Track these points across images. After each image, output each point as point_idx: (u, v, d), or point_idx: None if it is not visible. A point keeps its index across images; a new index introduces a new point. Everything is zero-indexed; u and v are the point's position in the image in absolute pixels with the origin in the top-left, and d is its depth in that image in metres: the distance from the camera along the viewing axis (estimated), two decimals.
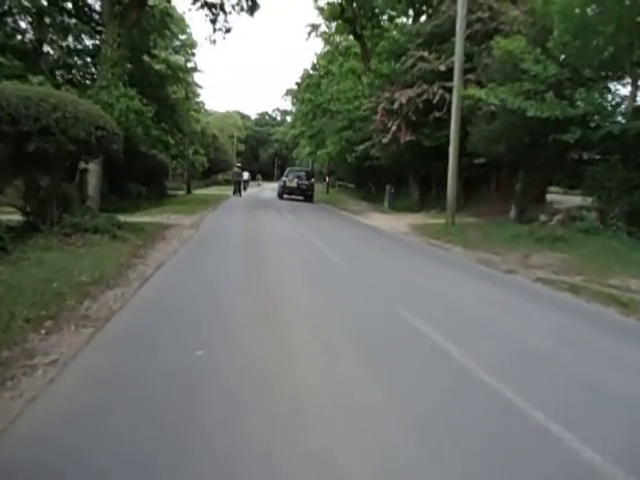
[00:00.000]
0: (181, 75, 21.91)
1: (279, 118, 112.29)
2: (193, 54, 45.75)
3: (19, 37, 20.50)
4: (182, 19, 37.63)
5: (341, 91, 30.16)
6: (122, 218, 13.47)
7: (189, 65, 45.14)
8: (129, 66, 19.50)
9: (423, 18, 23.38)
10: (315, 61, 46.01)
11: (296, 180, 27.17)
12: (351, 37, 30.33)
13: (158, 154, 28.43)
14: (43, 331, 3.78)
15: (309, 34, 31.30)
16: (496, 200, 19.33)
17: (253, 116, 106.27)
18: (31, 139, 7.57)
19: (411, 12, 24.82)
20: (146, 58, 20.83)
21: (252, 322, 4.45)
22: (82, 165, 17.37)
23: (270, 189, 48.60)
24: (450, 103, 15.70)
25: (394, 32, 22.55)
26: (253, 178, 52.21)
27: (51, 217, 8.99)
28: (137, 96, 16.38)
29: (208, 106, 57.88)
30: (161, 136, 25.23)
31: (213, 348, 3.65)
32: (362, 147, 22.46)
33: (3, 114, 7.31)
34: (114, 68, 16.78)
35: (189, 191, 32.27)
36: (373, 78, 19.81)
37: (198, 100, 51.59)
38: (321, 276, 6.96)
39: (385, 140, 18.45)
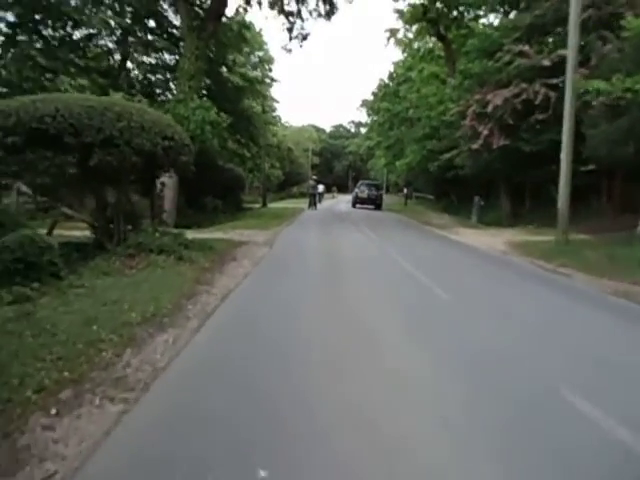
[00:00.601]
0: (258, 87, 21.52)
1: (353, 130, 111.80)
2: (270, 69, 46.46)
3: (106, 58, 21.18)
4: (259, 34, 38.06)
5: (422, 97, 28.46)
6: (194, 234, 12.92)
7: (267, 81, 45.99)
8: (207, 80, 19.37)
9: (512, 15, 21.24)
10: (392, 70, 44.72)
11: (367, 191, 30.75)
12: (432, 40, 28.70)
13: (235, 168, 28.40)
14: (54, 410, 2.71)
15: (388, 39, 30.03)
16: (610, 213, 16.69)
17: (328, 129, 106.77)
18: (94, 151, 6.90)
19: (500, 8, 22.75)
20: (223, 71, 20.67)
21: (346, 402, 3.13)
22: (160, 179, 17.37)
23: (345, 201, 47.54)
24: (555, 102, 13.64)
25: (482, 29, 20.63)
26: (328, 190, 51.51)
27: (118, 235, 8.37)
28: (213, 107, 15.92)
29: (284, 120, 58.37)
30: (237, 149, 25.03)
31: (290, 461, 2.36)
32: (447, 156, 20.62)
33: (66, 125, 6.69)
34: (191, 81, 16.52)
35: (264, 204, 32.02)
36: (461, 79, 18.06)
37: (274, 114, 52.25)
38: (420, 313, 5.51)
39: (475, 146, 16.60)
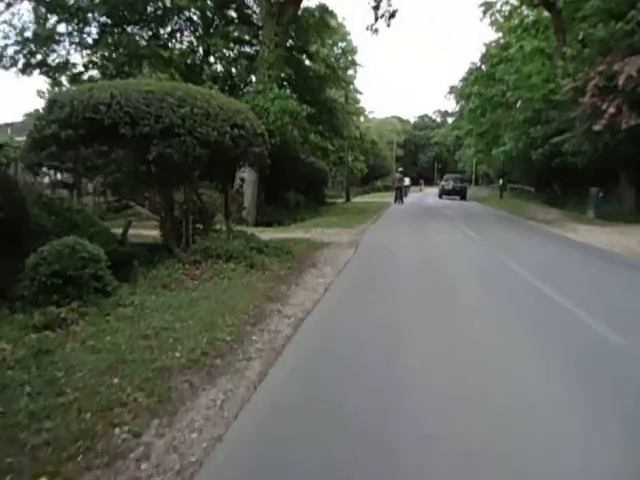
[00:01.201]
0: (340, 74, 20.20)
1: (439, 120, 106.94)
2: (354, 62, 44.90)
3: (190, 53, 21.03)
4: (342, 25, 36.75)
5: (523, 77, 25.36)
6: (273, 233, 11.92)
7: (350, 72, 44.51)
8: (287, 70, 18.40)
9: None
10: (484, 51, 41.12)
11: (452, 183, 33.81)
12: (534, 12, 25.43)
13: (317, 161, 27.39)
14: None
15: (484, 13, 27.19)
16: None
17: (412, 119, 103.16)
18: (152, 143, 5.95)
19: None
20: (304, 59, 19.59)
21: None
22: (240, 175, 16.68)
23: (432, 194, 44.94)
24: None
25: None
26: (415, 183, 49.06)
27: (186, 238, 7.47)
28: (292, 97, 14.83)
29: (367, 112, 56.58)
30: (320, 142, 23.90)
31: None
32: (557, 139, 17.74)
33: (122, 113, 5.79)
34: (270, 70, 15.58)
35: (348, 199, 30.72)
36: (580, 48, 15.28)
37: (358, 106, 50.67)
38: (586, 368, 3.65)
39: (597, 127, 13.88)
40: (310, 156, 24.83)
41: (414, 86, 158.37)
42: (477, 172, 76.14)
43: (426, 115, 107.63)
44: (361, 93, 51.16)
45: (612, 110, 13.46)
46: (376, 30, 17.01)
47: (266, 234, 11.63)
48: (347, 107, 23.22)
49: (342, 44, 41.86)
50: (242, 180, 15.72)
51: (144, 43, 18.47)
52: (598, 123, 13.94)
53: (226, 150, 6.65)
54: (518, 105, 26.53)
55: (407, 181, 32.59)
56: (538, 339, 4.28)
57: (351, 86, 44.69)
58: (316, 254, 8.78)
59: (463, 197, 31.24)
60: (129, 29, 17.78)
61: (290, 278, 6.63)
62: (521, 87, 26.55)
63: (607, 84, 13.78)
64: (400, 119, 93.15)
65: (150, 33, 18.69)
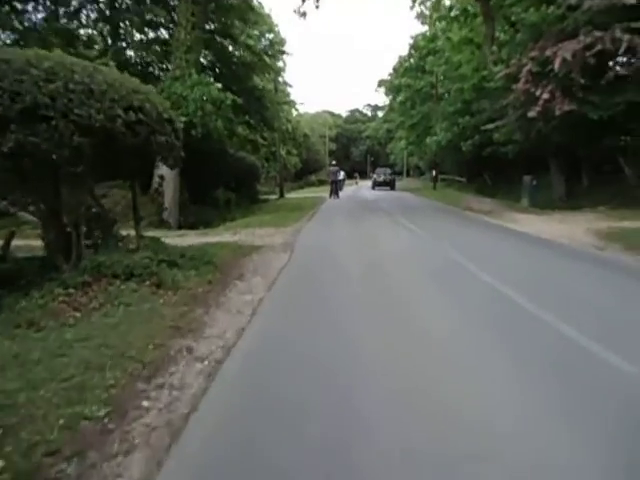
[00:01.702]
0: (268, 61, 18.86)
1: (370, 114, 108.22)
2: (282, 52, 43.52)
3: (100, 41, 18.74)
4: (269, 15, 35.34)
5: (452, 68, 25.33)
6: (195, 238, 10.44)
7: (279, 64, 43.10)
8: (207, 53, 16.80)
9: None
10: (412, 43, 41.31)
11: (382, 176, 37.75)
12: (457, 4, 25.41)
13: (247, 156, 25.88)
14: None
15: (413, 2, 26.79)
16: None
17: (343, 114, 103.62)
18: (9, 129, 4.40)
19: None
20: (228, 45, 18.03)
21: None
22: (158, 172, 14.92)
23: (366, 187, 44.79)
24: None
25: None
26: (350, 177, 48.64)
27: (77, 251, 5.91)
28: (214, 83, 13.34)
29: (297, 106, 55.45)
30: (249, 135, 22.42)
31: None
32: (490, 126, 17.48)
33: None
34: (188, 54, 13.96)
35: (282, 195, 29.47)
36: (513, 33, 14.99)
37: (288, 99, 49.39)
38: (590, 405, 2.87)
39: (532, 113, 13.63)
40: (239, 150, 23.31)
41: (344, 81, 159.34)
42: (408, 164, 77.62)
43: (357, 109, 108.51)
44: (291, 86, 50.07)
45: (546, 96, 13.23)
46: (304, 13, 15.87)
47: (188, 238, 10.18)
48: (277, 97, 21.89)
49: (270, 35, 40.42)
50: (161, 178, 14.03)
51: (40, 23, 16.07)
52: (532, 109, 13.70)
53: (118, 139, 5.18)
54: (448, 96, 26.45)
55: (342, 175, 31.91)
56: (515, 358, 3.32)
57: (280, 78, 43.42)
58: (244, 261, 7.49)
59: (392, 187, 35.25)
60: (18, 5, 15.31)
61: (209, 297, 5.32)
62: (450, 78, 26.61)
63: (540, 70, 13.55)
64: (331, 113, 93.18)
65: (45, 13, 16.29)
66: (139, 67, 16.71)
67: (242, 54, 17.68)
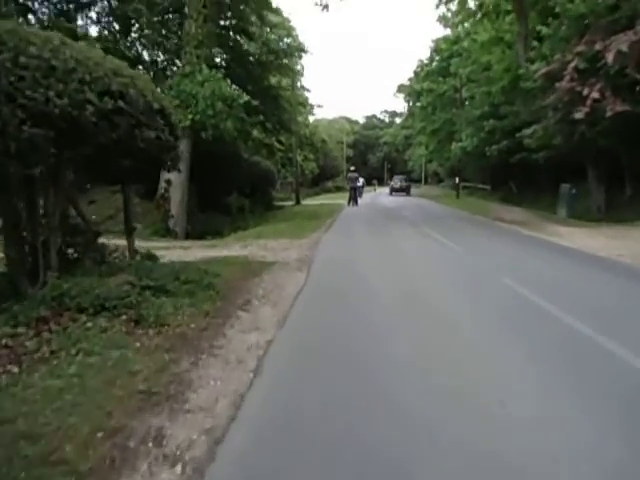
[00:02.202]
0: (285, 60, 17.77)
1: (387, 120, 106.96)
2: (300, 56, 42.62)
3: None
4: (287, 19, 34.55)
5: (478, 70, 23.93)
6: (200, 251, 9.25)
7: (297, 68, 42.15)
8: (220, 52, 15.76)
9: None
10: (433, 46, 39.94)
11: (399, 183, 41.64)
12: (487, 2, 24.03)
13: (263, 161, 24.81)
14: None
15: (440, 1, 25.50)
16: None
17: (360, 120, 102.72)
18: None
19: None
20: (243, 42, 16.94)
21: None
22: (165, 176, 13.85)
23: (385, 194, 43.55)
24: None
25: None
26: (368, 183, 47.36)
27: (44, 271, 4.75)
28: (226, 80, 12.23)
29: (315, 107, 54.44)
30: (265, 138, 21.31)
31: None
32: (527, 132, 15.98)
33: None
34: (199, 49, 12.88)
35: (298, 201, 28.29)
36: (556, 26, 13.59)
37: (306, 103, 48.42)
38: None
39: (579, 115, 12.20)
40: (254, 155, 22.22)
41: (361, 87, 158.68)
42: (426, 171, 76.01)
43: (374, 115, 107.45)
44: (309, 90, 49.08)
45: (595, 95, 11.80)
46: (326, 6, 14.69)
47: (192, 251, 9.01)
48: (294, 97, 20.76)
49: (288, 40, 39.59)
50: (168, 182, 12.94)
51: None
52: (579, 110, 12.27)
53: (88, 131, 4.00)
54: (472, 100, 25.07)
55: (361, 181, 30.63)
56: None
57: (298, 81, 42.50)
58: (253, 284, 6.26)
59: (408, 193, 39.39)
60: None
61: (203, 337, 4.08)
62: (477, 80, 25.19)
63: (587, 66, 12.15)
64: (349, 119, 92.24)
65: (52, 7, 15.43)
66: (152, 68, 15.72)
67: (258, 52, 16.58)
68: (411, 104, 52.17)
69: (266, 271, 7.06)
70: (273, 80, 18.56)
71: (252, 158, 24.01)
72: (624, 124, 12.44)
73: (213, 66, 13.04)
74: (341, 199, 29.61)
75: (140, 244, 9.10)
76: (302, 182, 47.50)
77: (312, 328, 4.60)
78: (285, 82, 18.89)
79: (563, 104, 13.12)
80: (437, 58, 38.82)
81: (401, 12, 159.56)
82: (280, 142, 38.01)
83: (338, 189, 52.00)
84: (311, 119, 51.05)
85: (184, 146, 13.03)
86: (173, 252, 8.75)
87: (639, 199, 17.10)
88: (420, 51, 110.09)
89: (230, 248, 9.49)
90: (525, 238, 11.49)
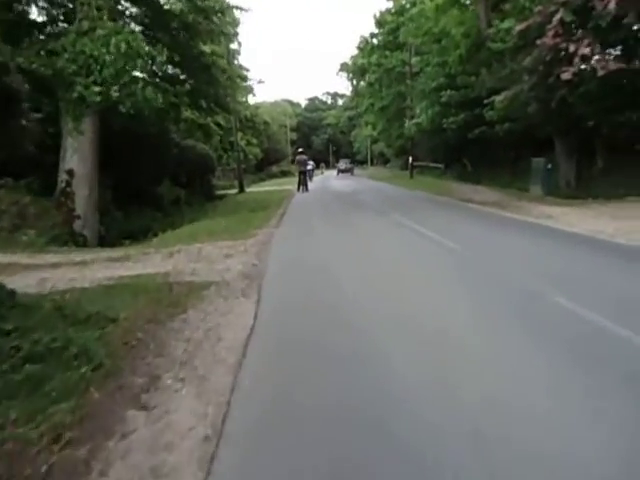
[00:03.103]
0: (216, 20, 14.84)
1: (330, 102, 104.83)
2: (236, 34, 39.24)
3: None
4: None
5: (430, 40, 22.05)
6: (101, 269, 6.61)
7: (232, 47, 38.73)
8: (132, 6, 12.82)
9: None
10: (377, 20, 37.81)
11: (344, 165, 47.63)
12: None
13: (199, 145, 21.88)
14: None
15: None
16: None
17: (302, 102, 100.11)
18: None
19: None
20: None
21: None
22: (65, 165, 10.85)
23: (333, 176, 41.60)
24: None
25: None
26: (317, 167, 45.22)
27: None
28: (139, 35, 9.46)
29: (256, 92, 51.21)
30: (199, 118, 18.43)
31: None
32: (499, 98, 13.98)
33: None
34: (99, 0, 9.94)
35: (242, 189, 25.54)
36: None
37: (245, 84, 45.16)
38: None
39: (566, 75, 10.44)
40: (187, 138, 19.30)
41: (302, 69, 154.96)
42: (372, 152, 74.74)
43: (316, 97, 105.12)
44: (247, 70, 45.77)
45: (585, 51, 10.05)
46: None
47: (91, 269, 6.40)
48: (231, 70, 17.92)
49: (221, 16, 36.14)
50: (69, 174, 10.06)
51: None
52: (564, 71, 10.51)
53: None
54: (428, 71, 23.23)
55: (311, 164, 28.32)
56: None
57: (235, 59, 39.24)
58: (168, 332, 3.83)
59: (352, 173, 45.13)
60: None
61: None
62: (429, 52, 23.34)
63: (573, 19, 10.39)
64: (291, 102, 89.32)
65: None
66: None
67: (180, 9, 13.62)
68: (355, 83, 50.02)
69: (194, 301, 4.64)
70: (205, 49, 15.66)
71: (186, 142, 21.04)
72: (613, 86, 10.84)
73: (118, 17, 10.15)
74: (289, 184, 27.22)
75: (21, 260, 6.40)
76: (246, 168, 44.54)
77: (274, 451, 2.29)
78: (218, 49, 16.06)
79: (544, 64, 11.34)
80: (381, 32, 36.87)
81: None
82: (219, 125, 34.90)
83: (284, 174, 49.43)
84: (252, 100, 48.01)
85: (88, 125, 10.18)
86: (64, 272, 6.11)
87: (612, 173, 15.90)
88: (362, 28, 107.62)
89: (149, 260, 6.92)
90: (514, 223, 9.65)
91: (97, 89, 8.93)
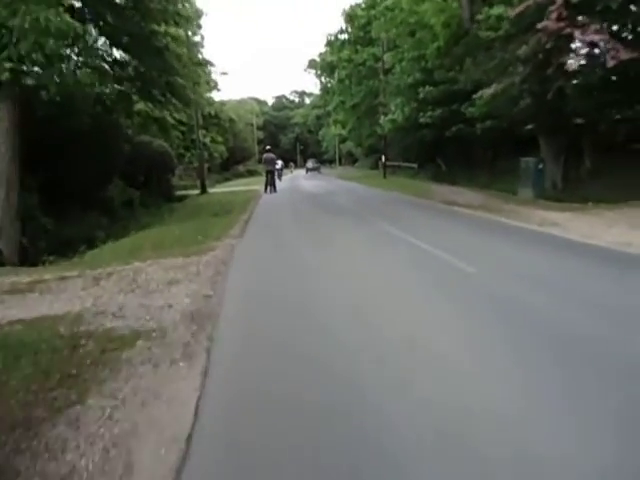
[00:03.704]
0: (174, 7, 12.95)
1: (297, 100, 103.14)
2: (199, 26, 37.01)
3: None
4: None
5: (404, 32, 20.74)
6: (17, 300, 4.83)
7: (196, 39, 36.48)
8: None
9: None
10: (346, 15, 36.29)
11: (312, 164, 51.10)
12: None
13: (155, 140, 19.85)
14: None
15: None
16: None
17: (269, 100, 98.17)
18: None
19: None
20: None
21: None
22: None
23: (302, 177, 39.91)
24: None
25: None
26: (286, 166, 43.47)
27: None
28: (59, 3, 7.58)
29: (222, 96, 49.20)
30: (154, 111, 16.49)
31: None
32: (490, 90, 12.64)
33: None
34: None
35: (204, 190, 23.58)
36: None
37: (210, 77, 42.88)
38: None
39: (572, 63, 9.27)
40: (142, 133, 17.30)
41: (268, 67, 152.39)
42: (340, 151, 73.52)
43: (283, 96, 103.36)
44: (212, 64, 43.47)
45: (594, 37, 8.84)
46: None
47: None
48: (190, 56, 15.91)
49: (182, 5, 33.96)
50: None
51: None
52: (571, 59, 9.30)
53: None
54: (402, 65, 21.93)
55: (280, 164, 26.59)
56: None
57: (198, 52, 37.12)
58: (38, 446, 2.19)
59: (319, 171, 48.84)
60: None
61: None
62: (404, 45, 22.04)
63: (578, 1, 9.15)
64: (257, 100, 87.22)
65: None
66: None
67: None
68: (324, 80, 48.46)
69: (104, 373, 2.97)
70: (159, 29, 13.68)
71: (141, 138, 19.00)
72: (618, 77, 9.70)
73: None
74: (256, 184, 25.47)
75: None
76: (210, 167, 42.34)
77: None
78: (174, 31, 14.12)
79: (544, 53, 10.10)
80: (352, 27, 35.47)
81: None
82: (181, 122, 32.68)
83: (251, 173, 47.46)
84: (217, 97, 45.80)
85: (2, 112, 8.23)
86: None
87: (601, 174, 14.98)
88: (330, 25, 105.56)
89: (65, 290, 5.14)
90: (518, 232, 8.32)
91: (8, 65, 7.06)
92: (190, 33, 36.23)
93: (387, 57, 25.43)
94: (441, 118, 20.47)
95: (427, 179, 26.30)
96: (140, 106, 16.21)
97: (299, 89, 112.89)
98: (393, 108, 22.80)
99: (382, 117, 24.60)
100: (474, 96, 13.77)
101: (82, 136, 11.16)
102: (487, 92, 12.18)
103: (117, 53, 12.78)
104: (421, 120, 20.98)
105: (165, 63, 13.23)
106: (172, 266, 6.08)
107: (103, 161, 12.80)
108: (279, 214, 12.54)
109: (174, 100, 15.22)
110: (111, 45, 12.06)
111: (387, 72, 27.62)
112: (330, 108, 45.15)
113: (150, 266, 6.11)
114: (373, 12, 30.63)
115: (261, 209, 13.81)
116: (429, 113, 20.49)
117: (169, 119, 18.80)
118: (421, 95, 19.74)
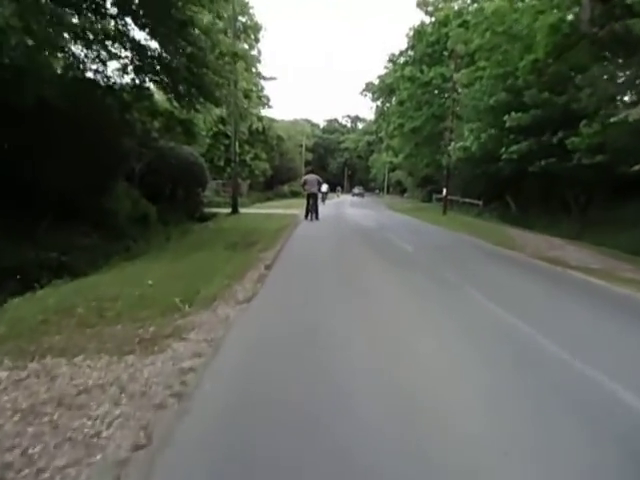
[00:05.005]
0: None
1: (349, 125, 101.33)
2: (257, 40, 35.17)
3: None
4: None
5: (491, 41, 17.27)
6: None
7: (252, 53, 34.56)
8: None
9: None
10: (413, 33, 33.15)
11: (357, 190, 61.61)
12: None
13: (181, 147, 17.08)
14: None
15: None
16: None
17: (321, 123, 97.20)
18: None
19: None
20: None
21: None
22: None
23: (349, 203, 36.70)
24: None
25: None
26: (332, 190, 40.26)
27: None
28: None
29: (275, 115, 47.34)
30: (179, 113, 13.63)
31: None
32: (629, 116, 9.08)
33: None
34: None
35: (235, 210, 20.53)
36: None
37: (262, 94, 40.85)
38: None
39: None
40: (162, 135, 14.49)
41: (323, 90, 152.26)
42: (389, 180, 70.37)
43: (335, 119, 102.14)
44: (265, 79, 41.27)
45: None
46: None
47: None
48: (231, 47, 13.01)
49: (243, 19, 32.10)
50: None
51: None
52: None
53: None
54: (482, 84, 18.48)
55: (325, 187, 23.43)
56: None
57: (253, 69, 35.19)
58: None
59: (362, 196, 55.86)
60: None
61: None
62: (485, 59, 18.59)
63: None
64: (310, 122, 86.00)
65: None
66: None
67: None
68: (380, 103, 45.49)
69: None
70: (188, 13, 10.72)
71: (168, 143, 16.27)
72: None
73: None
74: (296, 207, 22.32)
75: None
76: (252, 184, 39.86)
77: None
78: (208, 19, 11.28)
79: None
80: (415, 45, 32.41)
81: (369, 14, 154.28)
82: (226, 135, 30.25)
83: (294, 194, 44.68)
84: (269, 114, 43.79)
85: None
86: None
87: None
88: (389, 49, 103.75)
89: None
90: None
91: None
92: (247, 46, 34.45)
93: (460, 75, 22.02)
94: (529, 149, 16.71)
95: (494, 220, 22.43)
96: (165, 105, 13.47)
97: (352, 114, 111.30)
98: (466, 133, 19.18)
99: (451, 143, 20.94)
100: (612, 119, 9.97)
101: (62, 131, 8.24)
102: (636, 112, 8.41)
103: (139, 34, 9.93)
104: (503, 155, 17.21)
105: (200, 50, 10.24)
106: (67, 393, 2.74)
107: (96, 164, 9.82)
108: (320, 252, 9.14)
109: (201, 99, 12.28)
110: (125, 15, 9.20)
111: (457, 92, 24.21)
112: (383, 134, 41.95)
113: (97, 361, 2.79)
114: (445, 30, 27.62)
115: (295, 245, 10.43)
116: (514, 147, 16.63)
117: (201, 125, 15.98)
118: (509, 123, 15.95)
